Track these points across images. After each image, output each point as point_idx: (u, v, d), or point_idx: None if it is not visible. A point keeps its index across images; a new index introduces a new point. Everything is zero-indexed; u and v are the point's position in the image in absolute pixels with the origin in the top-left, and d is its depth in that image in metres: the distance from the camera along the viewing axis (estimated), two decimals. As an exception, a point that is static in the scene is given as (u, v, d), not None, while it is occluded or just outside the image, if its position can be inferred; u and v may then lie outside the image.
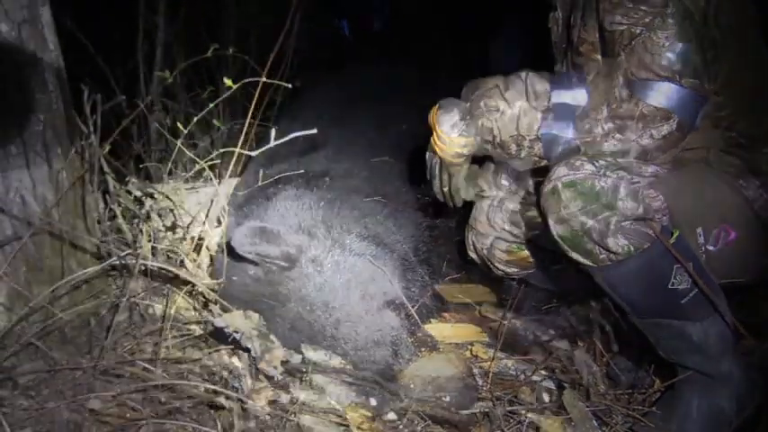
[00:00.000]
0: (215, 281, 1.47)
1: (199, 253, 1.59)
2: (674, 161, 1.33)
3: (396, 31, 3.19)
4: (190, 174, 1.73)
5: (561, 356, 1.56)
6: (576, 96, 1.34)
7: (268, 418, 1.21)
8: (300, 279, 1.48)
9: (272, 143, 1.40)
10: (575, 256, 1.27)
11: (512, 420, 1.29)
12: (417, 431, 1.27)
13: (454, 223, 2.03)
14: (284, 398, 1.31)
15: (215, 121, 1.91)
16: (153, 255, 1.51)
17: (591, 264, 1.26)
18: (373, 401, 1.33)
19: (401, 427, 1.27)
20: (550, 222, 1.26)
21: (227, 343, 1.34)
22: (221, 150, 1.62)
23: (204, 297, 1.50)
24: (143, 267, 1.39)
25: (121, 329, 1.40)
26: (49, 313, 1.31)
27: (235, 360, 1.37)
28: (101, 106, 1.37)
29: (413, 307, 1.52)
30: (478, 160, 1.59)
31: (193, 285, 1.45)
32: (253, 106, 1.58)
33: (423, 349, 1.51)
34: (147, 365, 1.24)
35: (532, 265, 1.66)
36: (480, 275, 1.87)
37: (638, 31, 1.26)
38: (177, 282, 1.48)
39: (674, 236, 1.24)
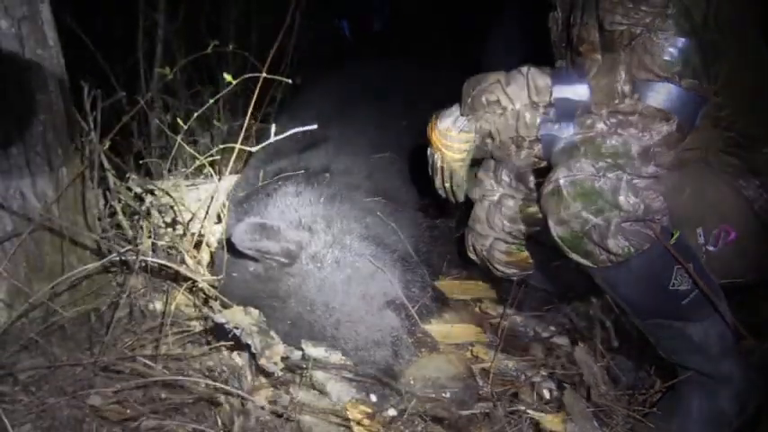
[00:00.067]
0: (215, 277, 1.47)
1: (199, 249, 1.59)
2: (673, 161, 1.32)
3: (396, 32, 3.18)
4: (190, 170, 1.73)
5: (561, 354, 1.56)
6: (578, 91, 1.33)
7: (268, 414, 1.21)
8: (300, 276, 1.48)
9: (273, 139, 1.40)
10: (575, 257, 1.27)
11: (512, 417, 1.29)
12: (417, 428, 1.27)
13: (454, 220, 2.03)
14: (284, 394, 1.31)
15: (215, 122, 1.91)
16: (153, 251, 1.51)
17: (591, 265, 1.26)
18: (374, 398, 1.34)
19: (401, 424, 1.27)
20: (550, 223, 1.26)
21: (228, 339, 1.34)
22: (221, 147, 1.62)
23: (204, 293, 1.50)
24: (143, 264, 1.39)
25: (122, 326, 1.40)
26: (49, 310, 1.32)
27: (235, 356, 1.37)
28: (101, 103, 1.37)
29: (413, 307, 1.52)
30: (478, 160, 1.59)
31: (193, 282, 1.45)
32: (253, 103, 1.58)
33: (423, 350, 1.51)
34: (147, 362, 1.24)
35: (532, 266, 1.66)
36: (481, 272, 1.87)
37: (638, 32, 1.25)
38: (177, 278, 1.48)
39: (675, 237, 1.24)
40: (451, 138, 1.45)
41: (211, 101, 1.63)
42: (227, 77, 1.49)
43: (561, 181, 1.24)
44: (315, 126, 1.38)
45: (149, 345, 1.35)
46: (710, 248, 1.31)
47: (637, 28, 1.25)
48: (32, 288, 1.33)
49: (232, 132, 2.22)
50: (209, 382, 1.21)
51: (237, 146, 1.51)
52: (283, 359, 1.33)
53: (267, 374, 1.32)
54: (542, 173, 1.34)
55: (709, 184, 1.32)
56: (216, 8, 2.57)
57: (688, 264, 1.23)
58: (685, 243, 1.27)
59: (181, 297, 1.46)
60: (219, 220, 1.66)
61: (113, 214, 1.53)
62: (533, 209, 1.55)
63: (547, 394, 1.40)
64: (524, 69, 1.40)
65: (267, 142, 1.41)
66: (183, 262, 1.53)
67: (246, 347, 1.33)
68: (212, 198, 1.61)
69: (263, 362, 1.30)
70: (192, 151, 1.68)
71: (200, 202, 1.66)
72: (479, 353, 1.52)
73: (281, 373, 1.32)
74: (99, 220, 1.48)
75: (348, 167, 1.79)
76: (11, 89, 1.26)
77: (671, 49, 1.23)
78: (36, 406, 1.14)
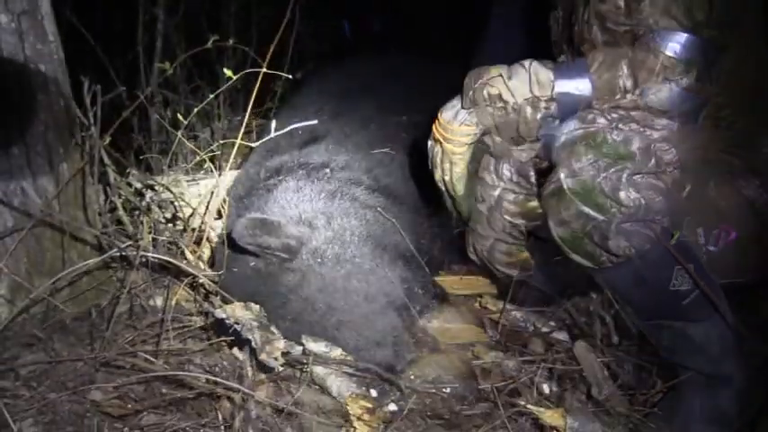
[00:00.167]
0: (215, 273, 1.47)
1: (199, 245, 1.60)
2: (674, 159, 1.32)
3: (396, 32, 3.18)
4: (190, 165, 1.73)
5: (561, 349, 1.56)
6: (580, 86, 1.33)
7: (268, 409, 1.22)
8: (301, 271, 1.48)
9: (273, 134, 1.40)
10: (575, 257, 1.27)
11: (512, 412, 1.29)
12: (417, 424, 1.27)
13: (453, 218, 2.03)
14: (285, 389, 1.32)
15: (216, 119, 1.91)
16: (153, 246, 1.51)
17: (592, 265, 1.26)
18: (374, 393, 1.34)
19: (401, 419, 1.27)
20: (551, 224, 1.26)
21: (228, 335, 1.35)
22: (221, 142, 1.62)
23: (205, 289, 1.50)
24: (144, 259, 1.39)
25: (122, 321, 1.40)
26: (50, 305, 1.32)
27: (235, 352, 1.37)
28: (101, 98, 1.37)
29: (413, 303, 1.52)
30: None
31: (194, 277, 1.45)
32: (253, 98, 1.58)
33: (424, 350, 1.51)
34: (148, 357, 1.24)
35: (533, 266, 1.66)
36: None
37: (641, 32, 1.25)
38: (178, 274, 1.48)
39: (675, 237, 1.24)
40: (453, 131, 1.45)
41: (212, 96, 1.63)
42: (228, 73, 1.49)
43: (562, 181, 1.24)
44: (315, 122, 1.38)
45: (150, 340, 1.35)
46: (711, 248, 1.31)
47: (639, 28, 1.25)
48: (33, 284, 1.33)
49: (232, 127, 2.22)
50: (210, 377, 1.22)
51: (238, 141, 1.51)
52: (284, 354, 1.34)
53: (267, 370, 1.32)
54: (543, 171, 1.34)
55: (709, 184, 1.32)
56: (216, 2, 2.57)
57: (688, 264, 1.23)
58: (686, 243, 1.27)
59: (181, 292, 1.46)
60: (220, 215, 1.66)
61: (114, 210, 1.53)
62: (534, 204, 1.55)
63: (546, 389, 1.40)
64: (526, 63, 1.39)
65: (268, 138, 1.41)
66: (183, 257, 1.53)
67: (247, 343, 1.33)
68: (213, 193, 1.61)
69: (263, 357, 1.30)
70: (192, 147, 1.68)
71: (200, 197, 1.66)
72: (480, 352, 1.52)
73: (281, 369, 1.32)
74: (99, 215, 1.49)
75: (348, 163, 1.79)
76: (10, 83, 1.26)
77: (673, 49, 1.23)
78: (37, 401, 1.14)
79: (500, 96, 1.39)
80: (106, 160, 1.47)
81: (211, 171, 1.65)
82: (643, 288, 1.27)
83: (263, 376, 1.34)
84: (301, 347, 1.40)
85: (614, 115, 1.28)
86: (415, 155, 1.82)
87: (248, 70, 1.51)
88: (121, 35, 2.25)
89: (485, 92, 1.40)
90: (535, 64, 1.39)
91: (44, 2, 1.30)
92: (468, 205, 1.64)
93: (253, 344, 1.31)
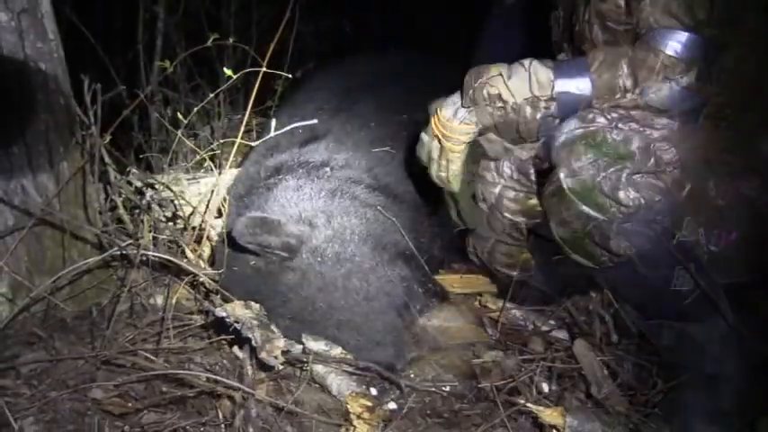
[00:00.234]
0: (216, 271, 1.47)
1: (200, 244, 1.60)
2: (674, 158, 1.32)
3: (396, 31, 3.18)
4: (190, 164, 1.73)
5: (561, 348, 1.56)
6: (580, 85, 1.33)
7: (269, 408, 1.22)
8: (301, 270, 1.48)
9: (273, 133, 1.40)
10: (576, 257, 1.27)
11: (511, 411, 1.29)
12: (417, 422, 1.27)
13: (454, 214, 2.03)
14: (285, 388, 1.32)
15: (216, 118, 1.91)
16: (154, 245, 1.51)
17: (593, 265, 1.26)
18: (374, 391, 1.34)
19: (401, 417, 1.27)
20: (552, 224, 1.26)
21: (228, 333, 1.35)
22: (222, 141, 1.62)
23: (205, 287, 1.50)
24: (144, 258, 1.39)
25: (123, 320, 1.41)
26: (50, 304, 1.32)
27: (236, 350, 1.37)
28: (101, 96, 1.37)
29: (414, 302, 1.52)
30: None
31: (194, 276, 1.45)
32: (253, 96, 1.58)
33: (423, 348, 1.51)
34: (148, 356, 1.24)
35: (533, 267, 1.67)
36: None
37: (642, 31, 1.25)
38: (178, 272, 1.48)
39: (675, 237, 1.24)
40: (452, 129, 1.45)
41: (212, 95, 1.63)
42: (228, 71, 1.49)
43: (562, 181, 1.24)
44: (315, 120, 1.38)
45: (150, 339, 1.35)
46: (712, 248, 1.31)
47: (640, 27, 1.25)
48: (34, 282, 1.33)
49: (232, 126, 2.22)
50: (210, 375, 1.22)
51: (238, 140, 1.51)
52: (284, 353, 1.34)
53: (268, 368, 1.33)
54: (543, 172, 1.34)
55: (709, 184, 1.32)
56: (216, 1, 2.57)
57: (689, 264, 1.23)
58: (686, 243, 1.27)
59: (182, 291, 1.46)
60: (220, 214, 1.66)
61: (114, 208, 1.53)
62: (534, 201, 1.55)
63: (546, 388, 1.40)
64: (526, 62, 1.39)
65: (268, 136, 1.41)
66: (183, 256, 1.53)
67: (247, 341, 1.33)
68: (213, 192, 1.61)
69: (263, 356, 1.30)
70: (192, 145, 1.68)
71: (200, 196, 1.66)
72: (479, 351, 1.53)
73: (281, 367, 1.32)
74: (100, 214, 1.49)
75: (348, 162, 1.79)
76: (10, 82, 1.26)
77: (674, 48, 1.23)
78: (38, 399, 1.15)
79: (500, 96, 1.39)
80: (106, 159, 1.47)
81: (211, 170, 1.65)
82: (644, 288, 1.27)
83: (263, 375, 1.34)
84: (301, 346, 1.40)
85: (614, 114, 1.28)
86: (415, 154, 1.82)
87: (248, 69, 1.51)
88: (121, 34, 2.25)
89: (484, 91, 1.40)
90: (535, 63, 1.38)
91: (44, 0, 1.30)
92: (468, 206, 1.65)
93: (253, 342, 1.31)
